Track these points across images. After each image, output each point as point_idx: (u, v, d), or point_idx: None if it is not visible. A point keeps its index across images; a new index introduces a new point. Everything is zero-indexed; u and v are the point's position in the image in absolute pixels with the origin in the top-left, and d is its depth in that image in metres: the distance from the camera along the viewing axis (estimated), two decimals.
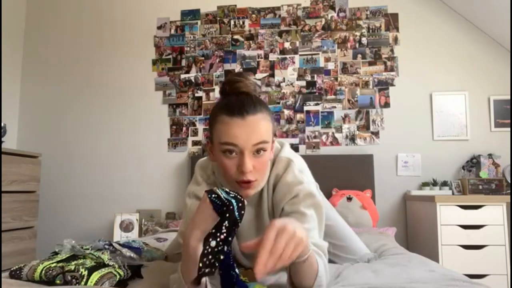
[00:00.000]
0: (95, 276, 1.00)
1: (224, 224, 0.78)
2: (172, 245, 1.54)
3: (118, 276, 1.05)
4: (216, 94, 3.28)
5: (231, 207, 0.79)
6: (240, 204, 0.80)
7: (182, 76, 3.33)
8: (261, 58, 3.29)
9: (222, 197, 0.81)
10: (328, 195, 2.63)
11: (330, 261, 1.35)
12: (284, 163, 1.16)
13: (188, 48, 3.36)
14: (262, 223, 1.18)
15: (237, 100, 1.00)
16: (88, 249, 1.16)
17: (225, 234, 0.77)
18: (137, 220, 2.94)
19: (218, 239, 0.77)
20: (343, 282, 1.18)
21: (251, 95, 1.02)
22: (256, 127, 0.98)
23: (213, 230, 0.79)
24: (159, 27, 3.41)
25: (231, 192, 0.83)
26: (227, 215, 0.78)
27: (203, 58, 3.33)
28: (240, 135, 0.97)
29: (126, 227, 2.92)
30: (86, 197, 3.29)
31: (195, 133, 3.27)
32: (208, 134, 1.07)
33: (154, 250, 1.55)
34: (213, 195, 0.81)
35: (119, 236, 2.88)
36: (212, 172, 1.21)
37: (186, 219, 1.21)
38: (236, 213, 0.78)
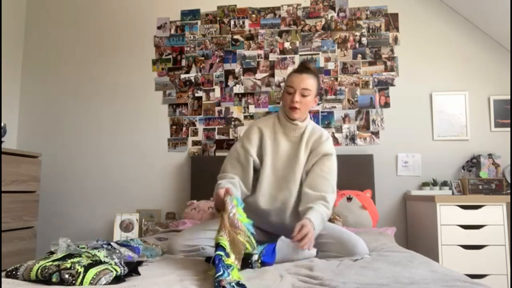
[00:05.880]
0: (92, 272, 1.00)
1: None
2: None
3: (114, 272, 1.05)
4: (216, 94, 3.28)
5: None
6: None
7: (182, 76, 3.33)
8: (261, 58, 3.28)
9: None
10: None
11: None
12: (327, 134, 1.92)
13: (188, 48, 3.36)
14: (296, 154, 1.86)
15: (302, 67, 1.89)
16: (84, 247, 1.16)
17: None
18: (137, 220, 2.93)
19: None
20: (344, 280, 1.18)
21: (311, 69, 1.87)
22: (306, 80, 1.82)
23: None
24: (159, 27, 3.41)
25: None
26: None
27: (203, 58, 3.33)
28: (295, 81, 1.82)
29: (126, 227, 2.92)
30: (86, 197, 3.29)
31: (195, 133, 3.27)
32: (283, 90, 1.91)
33: (153, 247, 1.56)
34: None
35: (119, 236, 2.88)
36: (275, 115, 1.97)
37: (242, 138, 1.94)
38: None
